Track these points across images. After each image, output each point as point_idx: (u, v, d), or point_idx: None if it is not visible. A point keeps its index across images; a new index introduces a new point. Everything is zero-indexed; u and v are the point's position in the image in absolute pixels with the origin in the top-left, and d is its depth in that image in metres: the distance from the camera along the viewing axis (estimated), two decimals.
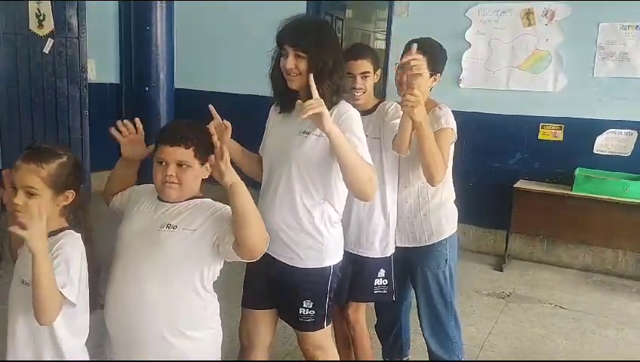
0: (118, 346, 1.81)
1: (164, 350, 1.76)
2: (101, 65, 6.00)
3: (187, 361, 1.80)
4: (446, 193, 2.49)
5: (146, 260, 1.75)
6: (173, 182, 1.76)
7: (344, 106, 2.00)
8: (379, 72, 2.34)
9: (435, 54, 2.36)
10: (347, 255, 2.27)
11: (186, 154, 1.75)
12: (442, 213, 2.48)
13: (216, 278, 1.84)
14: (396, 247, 2.49)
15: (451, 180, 2.52)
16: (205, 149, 1.75)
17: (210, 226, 1.74)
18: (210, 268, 1.79)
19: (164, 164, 1.77)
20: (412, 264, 2.53)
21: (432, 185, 2.32)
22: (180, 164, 1.76)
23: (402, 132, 2.14)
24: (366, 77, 2.28)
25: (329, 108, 1.94)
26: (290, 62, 1.92)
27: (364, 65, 2.27)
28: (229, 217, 1.71)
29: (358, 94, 2.27)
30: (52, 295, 1.52)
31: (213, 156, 1.67)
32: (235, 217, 1.66)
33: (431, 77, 2.36)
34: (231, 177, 1.64)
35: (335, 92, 1.96)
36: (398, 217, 2.46)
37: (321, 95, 1.91)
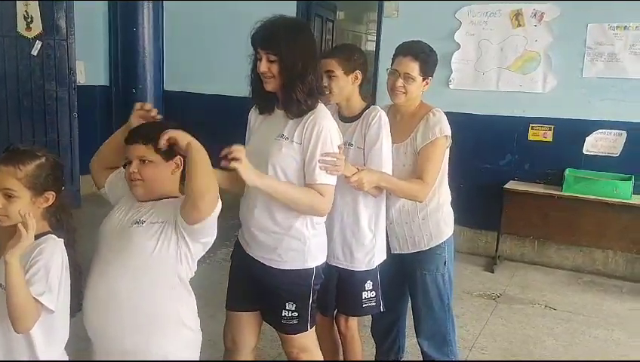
0: (95, 344, 1.80)
1: (139, 348, 1.74)
2: (90, 67, 5.96)
3: (167, 361, 1.78)
4: (443, 196, 2.48)
5: (117, 258, 1.75)
6: (138, 179, 1.78)
7: (320, 116, 1.97)
8: (356, 73, 2.25)
9: (425, 58, 2.35)
10: (332, 268, 2.26)
11: (144, 149, 1.77)
12: (440, 216, 2.47)
13: (192, 274, 1.82)
14: (394, 254, 2.48)
15: (447, 183, 2.51)
16: (170, 146, 1.74)
17: (172, 216, 1.74)
18: (182, 261, 1.76)
19: (130, 162, 1.80)
20: (410, 268, 2.52)
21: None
22: (142, 160, 1.77)
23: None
24: (330, 76, 2.21)
25: (305, 113, 1.95)
26: (263, 66, 1.92)
27: (329, 63, 2.20)
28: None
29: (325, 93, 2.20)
30: (26, 306, 1.52)
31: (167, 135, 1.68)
32: (187, 167, 1.68)
33: (423, 81, 2.36)
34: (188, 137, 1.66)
35: (309, 95, 1.93)
36: (395, 223, 2.46)
37: (294, 98, 1.91)
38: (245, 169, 1.84)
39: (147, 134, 1.77)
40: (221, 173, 2.10)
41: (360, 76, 2.27)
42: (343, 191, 2.19)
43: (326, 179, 1.94)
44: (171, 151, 1.75)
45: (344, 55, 2.24)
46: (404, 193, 2.30)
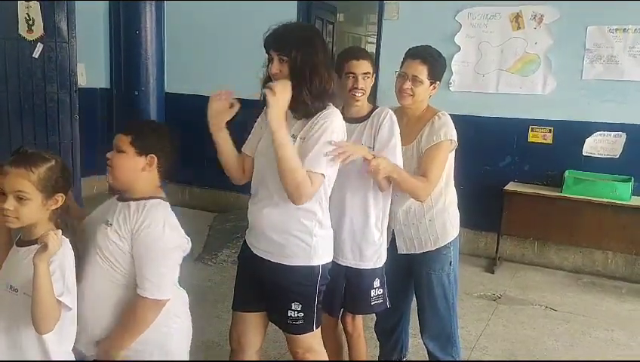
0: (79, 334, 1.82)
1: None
2: (91, 70, 5.98)
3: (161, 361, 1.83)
4: (449, 197, 2.51)
5: (88, 254, 1.80)
6: (109, 166, 1.85)
7: (331, 114, 1.98)
8: (373, 76, 2.34)
9: (434, 62, 2.38)
10: (340, 267, 2.27)
11: (122, 141, 1.83)
12: (447, 217, 2.50)
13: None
14: (400, 254, 2.50)
15: (453, 184, 2.54)
16: (145, 141, 1.82)
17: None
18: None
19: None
20: (417, 268, 2.55)
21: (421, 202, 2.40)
22: (119, 151, 1.84)
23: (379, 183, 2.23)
24: (367, 78, 2.28)
25: (312, 114, 1.97)
26: (274, 67, 1.94)
27: (366, 65, 2.27)
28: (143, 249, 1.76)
29: (359, 95, 2.26)
30: (52, 308, 1.55)
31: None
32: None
33: (430, 85, 2.38)
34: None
35: (317, 97, 1.95)
36: (403, 225, 2.48)
37: (301, 99, 1.92)
38: (275, 104, 1.87)
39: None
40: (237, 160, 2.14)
41: (374, 78, 2.35)
42: (353, 191, 2.22)
43: (318, 168, 1.92)
44: (145, 146, 1.81)
45: (371, 58, 2.33)
46: (408, 188, 2.30)
